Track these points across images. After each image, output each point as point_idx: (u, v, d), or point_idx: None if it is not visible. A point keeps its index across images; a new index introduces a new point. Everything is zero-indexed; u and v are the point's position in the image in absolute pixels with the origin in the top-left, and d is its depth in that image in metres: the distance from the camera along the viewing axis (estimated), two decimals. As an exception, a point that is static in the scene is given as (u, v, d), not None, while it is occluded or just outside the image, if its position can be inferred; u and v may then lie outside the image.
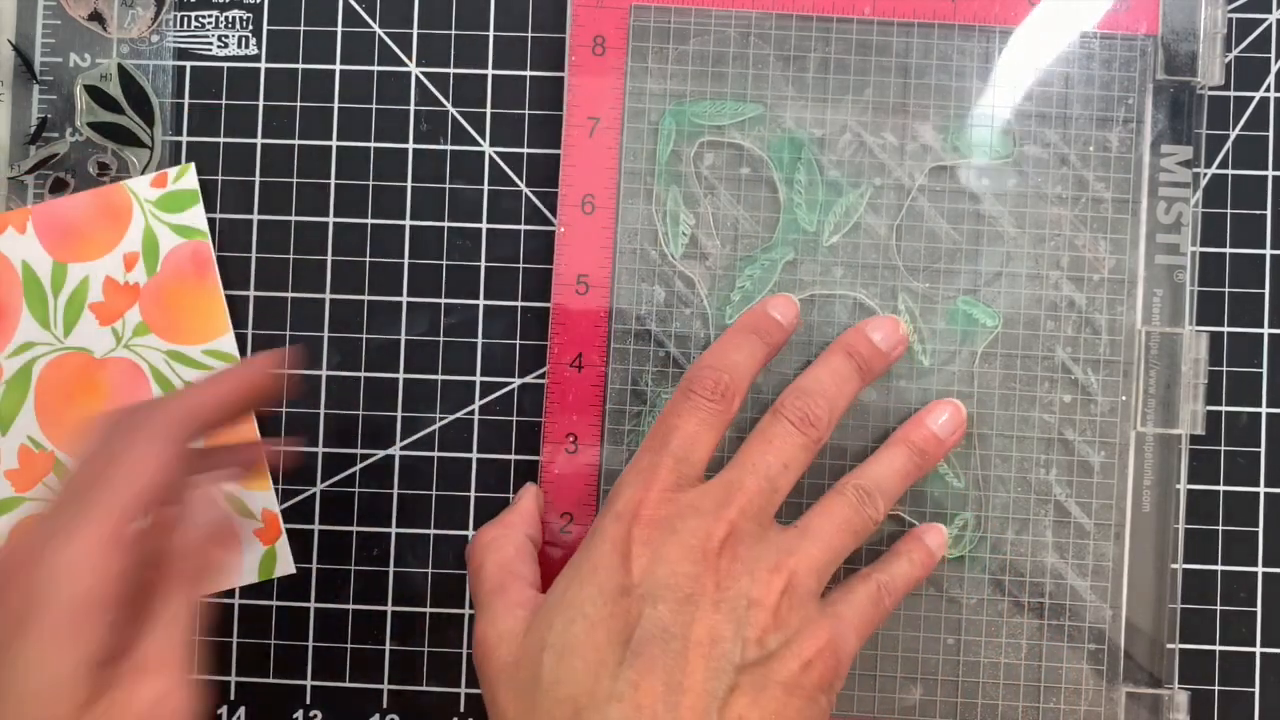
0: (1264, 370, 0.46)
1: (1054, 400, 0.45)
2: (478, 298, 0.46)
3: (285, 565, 0.46)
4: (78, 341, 0.46)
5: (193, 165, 0.46)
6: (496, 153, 0.47)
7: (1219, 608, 0.46)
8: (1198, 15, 0.46)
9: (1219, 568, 0.46)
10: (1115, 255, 0.45)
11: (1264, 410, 0.46)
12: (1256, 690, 0.46)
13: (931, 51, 0.45)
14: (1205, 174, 0.46)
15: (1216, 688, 0.46)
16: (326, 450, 0.46)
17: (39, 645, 0.32)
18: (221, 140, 0.47)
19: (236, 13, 0.47)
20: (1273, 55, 0.47)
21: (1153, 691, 0.45)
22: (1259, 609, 0.46)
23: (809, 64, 0.45)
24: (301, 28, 0.47)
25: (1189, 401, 0.45)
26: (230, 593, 0.46)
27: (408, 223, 0.47)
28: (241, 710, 0.46)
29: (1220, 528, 0.46)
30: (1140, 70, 0.46)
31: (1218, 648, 0.46)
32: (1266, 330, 0.46)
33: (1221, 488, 0.46)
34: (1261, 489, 0.46)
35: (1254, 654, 0.46)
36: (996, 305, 0.45)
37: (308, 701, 0.46)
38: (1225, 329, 0.46)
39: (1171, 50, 0.46)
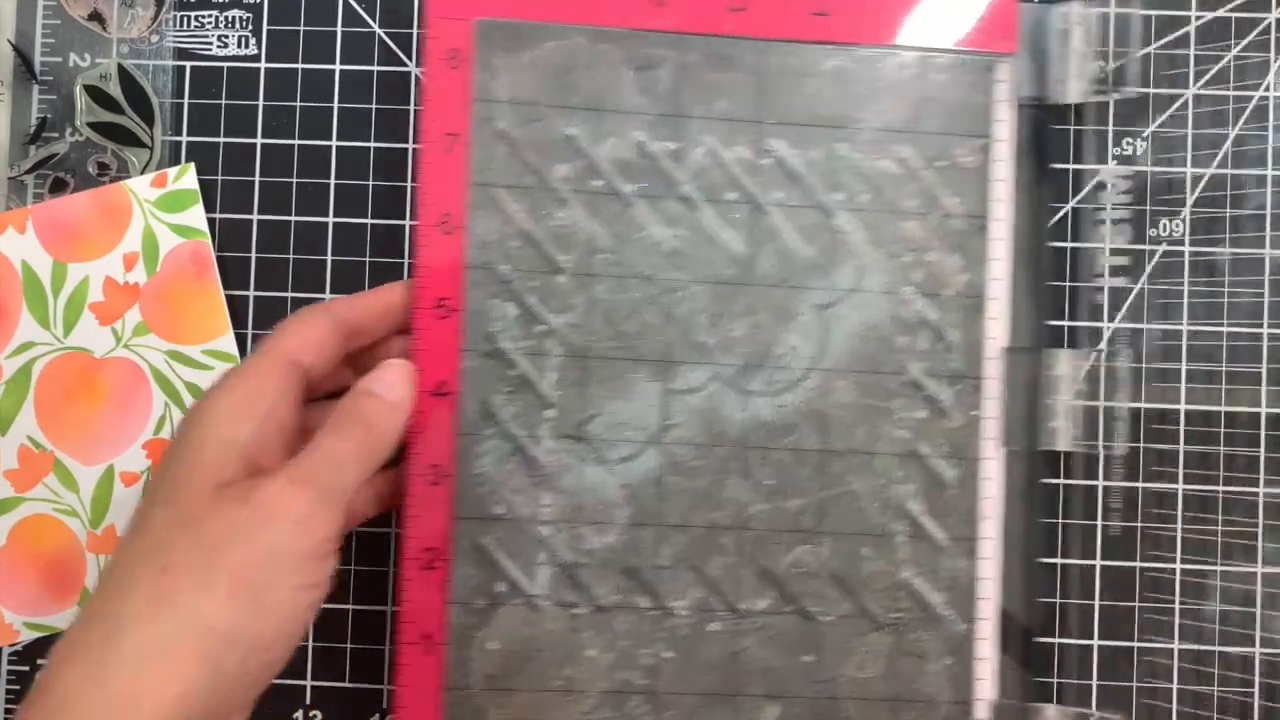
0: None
1: (908, 415, 0.45)
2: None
3: None
4: (78, 341, 0.46)
5: (192, 166, 0.46)
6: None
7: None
8: (1055, 34, 0.46)
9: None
10: (967, 271, 0.45)
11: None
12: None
13: (786, 66, 0.45)
14: (1204, 176, 0.46)
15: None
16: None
17: (226, 402, 0.37)
18: (221, 140, 0.47)
19: (236, 13, 0.48)
20: (1272, 54, 0.47)
21: (1016, 704, 0.45)
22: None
23: (661, 76, 0.45)
24: (301, 28, 0.48)
25: (1056, 418, 0.45)
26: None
27: (407, 222, 0.47)
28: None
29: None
30: (996, 87, 0.45)
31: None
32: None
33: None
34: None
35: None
36: (851, 320, 0.45)
37: (308, 701, 0.46)
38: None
39: (1029, 68, 0.46)
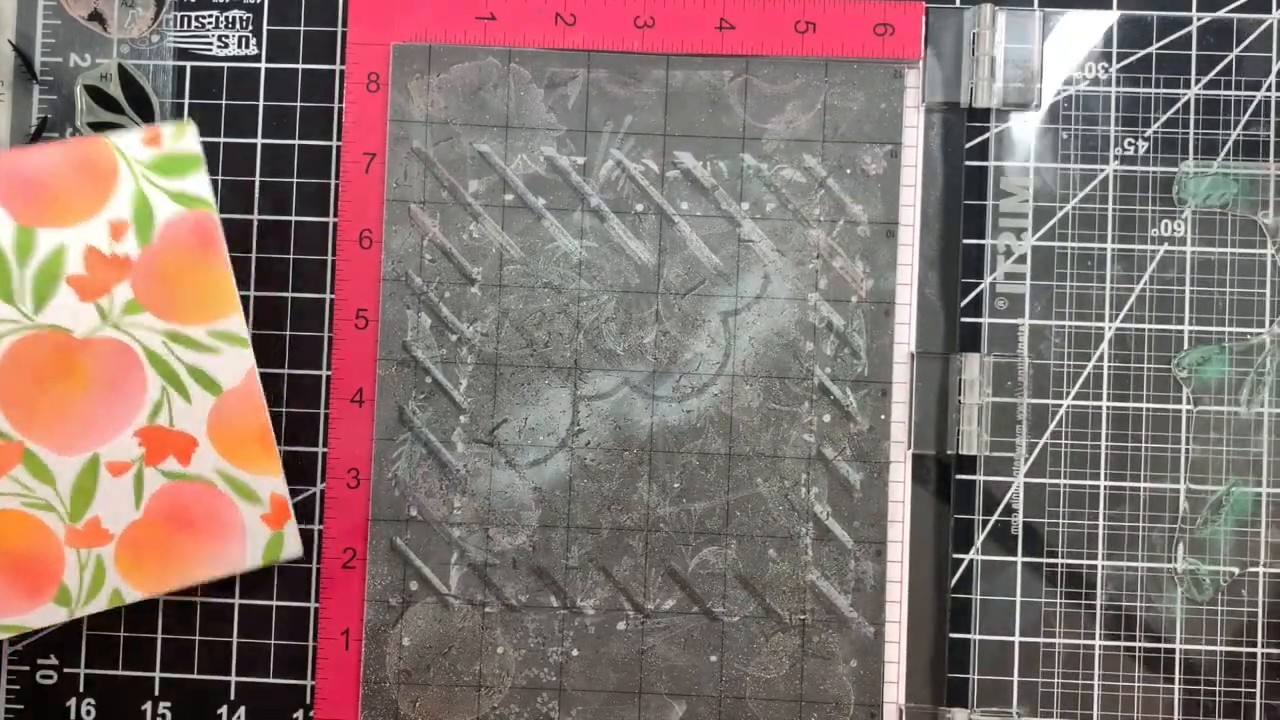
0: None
1: (813, 420, 0.45)
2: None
3: (292, 548, 0.43)
4: (52, 319, 0.41)
5: (193, 125, 0.42)
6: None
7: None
8: (963, 40, 0.46)
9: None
10: (873, 278, 0.46)
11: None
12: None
13: (692, 80, 0.46)
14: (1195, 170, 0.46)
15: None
16: (326, 450, 0.46)
17: None
18: (221, 140, 0.47)
19: (236, 13, 0.48)
20: (1274, 54, 0.46)
21: (927, 707, 0.45)
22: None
23: (570, 93, 0.46)
24: (301, 28, 0.48)
25: (968, 423, 0.45)
26: (230, 592, 0.46)
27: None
28: (241, 710, 0.46)
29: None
30: (903, 94, 0.46)
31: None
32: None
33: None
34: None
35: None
36: (757, 326, 0.46)
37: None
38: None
39: (940, 73, 0.46)
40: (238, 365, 0.42)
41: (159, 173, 0.41)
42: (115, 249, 0.41)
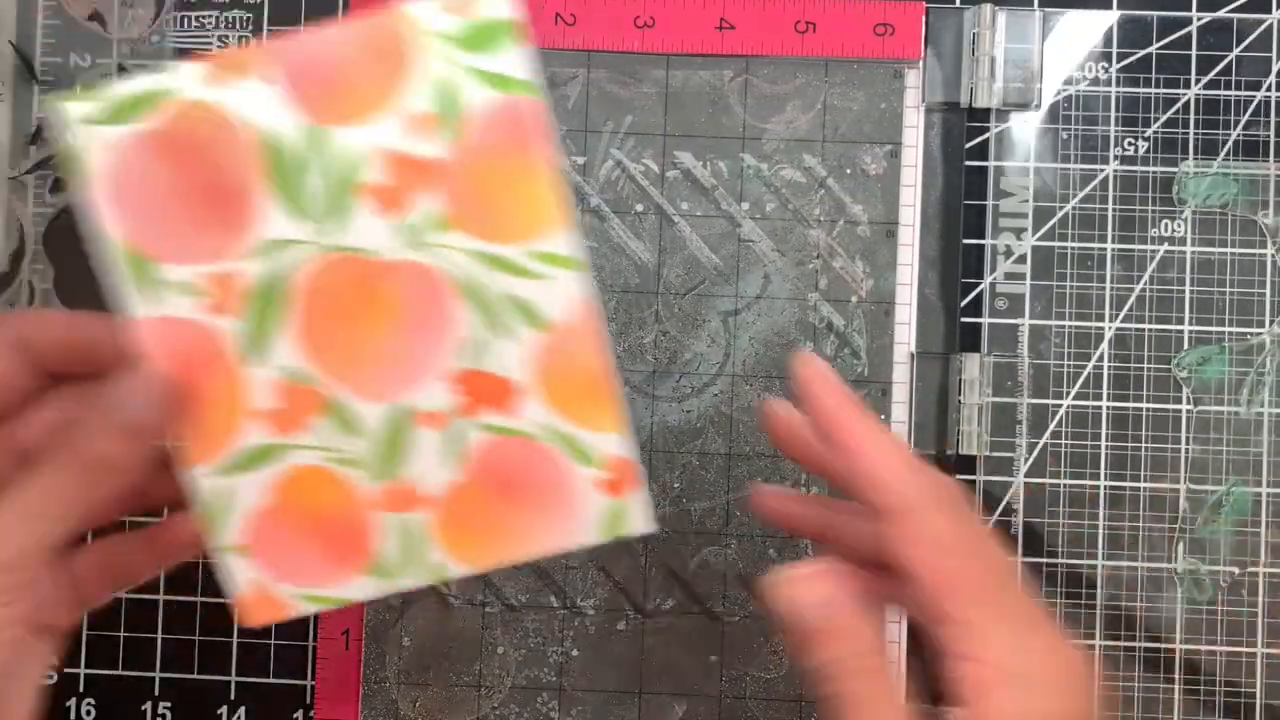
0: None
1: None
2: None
3: (641, 523, 0.35)
4: (351, 240, 0.33)
5: None
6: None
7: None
8: (963, 40, 0.46)
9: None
10: (873, 278, 0.46)
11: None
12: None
13: (692, 80, 0.46)
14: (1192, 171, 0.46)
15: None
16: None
17: None
18: None
19: (236, 13, 0.48)
20: (1274, 54, 0.46)
21: (927, 706, 0.45)
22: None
23: (570, 93, 0.46)
24: (301, 28, 0.48)
25: (968, 423, 0.45)
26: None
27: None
28: (241, 710, 0.47)
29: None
30: (904, 94, 0.46)
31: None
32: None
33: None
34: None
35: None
36: (757, 327, 0.46)
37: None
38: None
39: (941, 73, 0.46)
40: (567, 293, 0.34)
41: (468, 48, 0.33)
42: (417, 149, 0.33)
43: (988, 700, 0.30)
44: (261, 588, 0.36)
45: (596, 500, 0.35)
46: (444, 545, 0.36)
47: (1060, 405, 0.46)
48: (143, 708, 0.46)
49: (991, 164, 0.46)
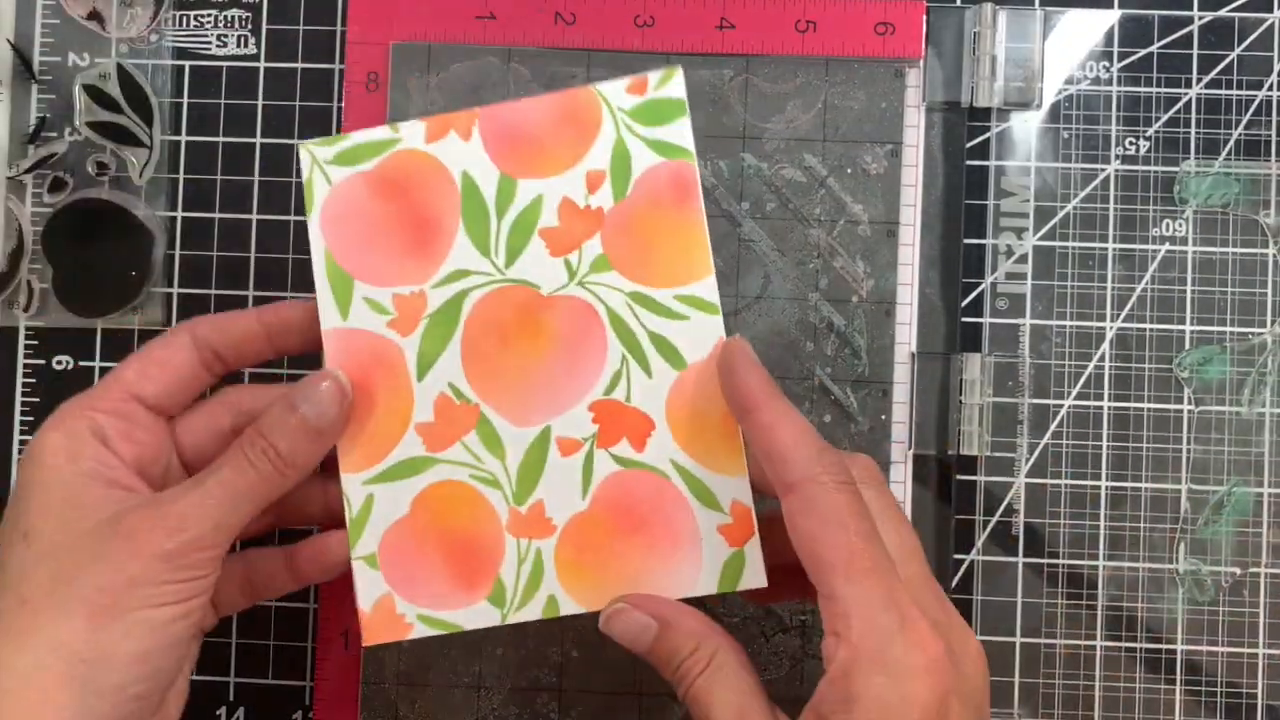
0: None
1: (814, 420, 0.45)
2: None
3: (755, 576, 0.37)
4: (522, 274, 0.38)
5: (680, 70, 0.39)
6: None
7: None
8: (964, 40, 0.46)
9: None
10: (873, 278, 0.45)
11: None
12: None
13: (693, 79, 0.46)
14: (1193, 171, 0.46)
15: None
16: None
17: (61, 431, 0.36)
18: (220, 140, 0.47)
19: (235, 12, 0.47)
20: (1275, 53, 0.46)
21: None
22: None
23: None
24: (301, 27, 0.48)
25: (969, 424, 0.45)
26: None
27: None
28: (241, 710, 0.46)
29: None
30: (903, 94, 0.46)
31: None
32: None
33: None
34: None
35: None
36: (757, 326, 0.45)
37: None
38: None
39: (942, 72, 0.46)
40: (706, 335, 0.38)
41: (641, 121, 0.39)
42: (590, 200, 0.38)
43: (848, 681, 0.31)
44: (386, 604, 0.38)
45: (717, 548, 0.37)
46: (560, 578, 0.38)
47: (1061, 405, 0.46)
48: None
49: (992, 163, 0.46)
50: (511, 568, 0.38)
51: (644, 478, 0.38)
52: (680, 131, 0.38)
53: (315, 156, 0.39)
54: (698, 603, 0.37)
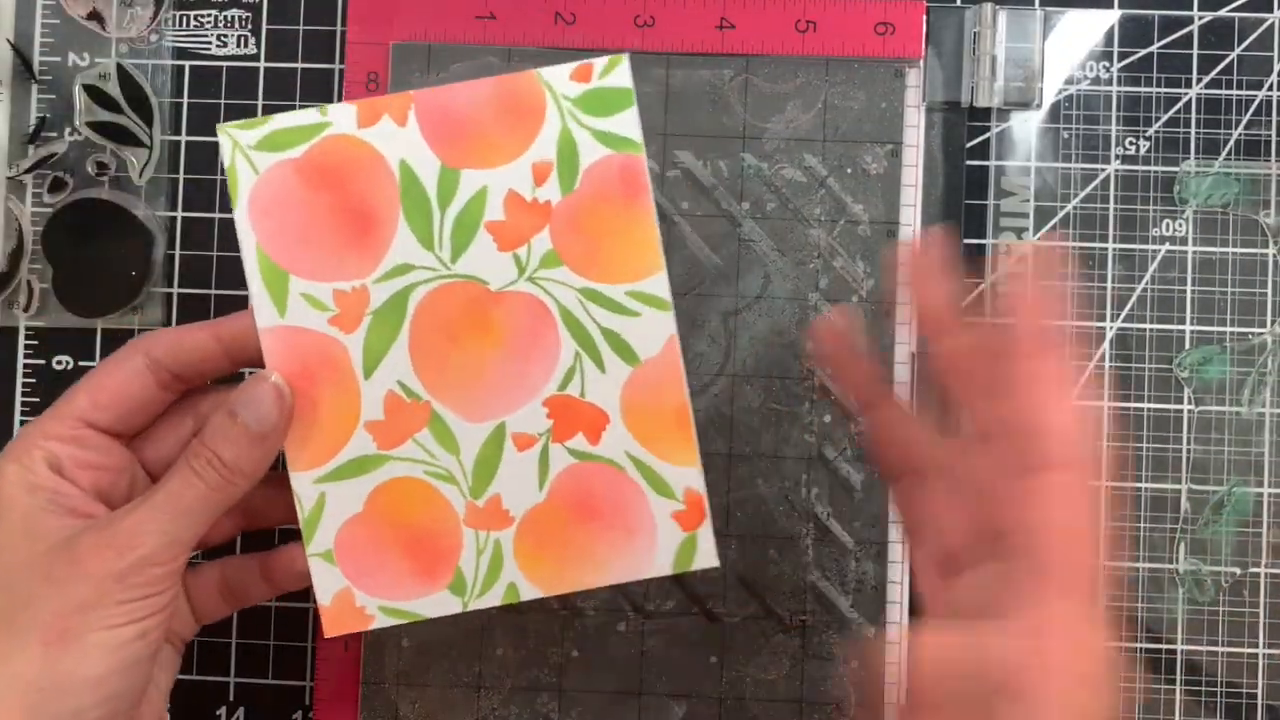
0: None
1: (814, 420, 0.45)
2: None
3: (707, 557, 0.38)
4: (469, 268, 0.38)
5: (626, 57, 0.38)
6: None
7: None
8: (964, 39, 0.46)
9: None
10: (873, 278, 0.45)
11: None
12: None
13: (692, 79, 0.46)
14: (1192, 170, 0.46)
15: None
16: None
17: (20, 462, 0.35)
18: (220, 140, 0.48)
19: (235, 12, 0.48)
20: (1275, 53, 0.46)
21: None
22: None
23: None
24: (301, 27, 0.48)
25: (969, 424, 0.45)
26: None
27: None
28: (241, 710, 0.46)
29: None
30: (903, 94, 0.46)
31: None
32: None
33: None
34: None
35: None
36: (757, 326, 0.45)
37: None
38: None
39: (936, 74, 0.46)
40: (658, 331, 0.38)
41: (587, 110, 0.38)
42: (537, 194, 0.38)
43: (1047, 687, 0.30)
44: (345, 597, 0.38)
45: (671, 532, 0.38)
46: (520, 566, 0.38)
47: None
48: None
49: (992, 163, 0.46)
50: (471, 558, 0.38)
51: (600, 469, 0.38)
52: (628, 122, 0.38)
53: (236, 141, 0.37)
54: (705, 611, 0.37)
